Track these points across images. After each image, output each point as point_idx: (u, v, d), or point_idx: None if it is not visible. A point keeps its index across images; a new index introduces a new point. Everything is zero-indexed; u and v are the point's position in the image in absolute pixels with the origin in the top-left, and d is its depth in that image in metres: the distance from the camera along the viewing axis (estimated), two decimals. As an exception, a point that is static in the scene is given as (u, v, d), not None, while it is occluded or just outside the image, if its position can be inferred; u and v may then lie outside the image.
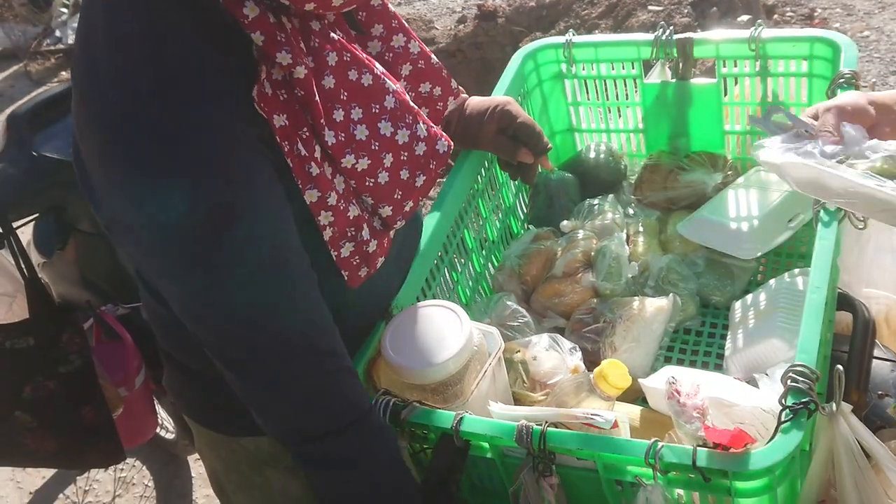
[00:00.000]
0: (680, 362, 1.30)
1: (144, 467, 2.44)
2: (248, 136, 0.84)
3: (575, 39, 1.49)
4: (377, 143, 0.96)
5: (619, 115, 1.57)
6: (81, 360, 1.63)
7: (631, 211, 1.49)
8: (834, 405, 0.92)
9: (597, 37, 1.49)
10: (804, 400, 0.87)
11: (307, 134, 0.89)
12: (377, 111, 0.95)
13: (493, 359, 1.08)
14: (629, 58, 1.48)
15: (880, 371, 1.30)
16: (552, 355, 1.21)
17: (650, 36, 1.43)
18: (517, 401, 1.18)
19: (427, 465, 1.04)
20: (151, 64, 0.80)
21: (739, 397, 0.98)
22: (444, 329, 1.07)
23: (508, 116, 1.27)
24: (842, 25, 4.05)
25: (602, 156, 1.55)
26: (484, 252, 1.42)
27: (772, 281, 1.26)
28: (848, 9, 4.19)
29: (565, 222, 1.45)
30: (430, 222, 1.24)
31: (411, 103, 1.00)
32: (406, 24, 1.07)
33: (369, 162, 0.95)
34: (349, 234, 0.97)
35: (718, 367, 1.26)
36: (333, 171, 0.94)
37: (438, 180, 1.11)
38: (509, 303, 1.31)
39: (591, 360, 1.25)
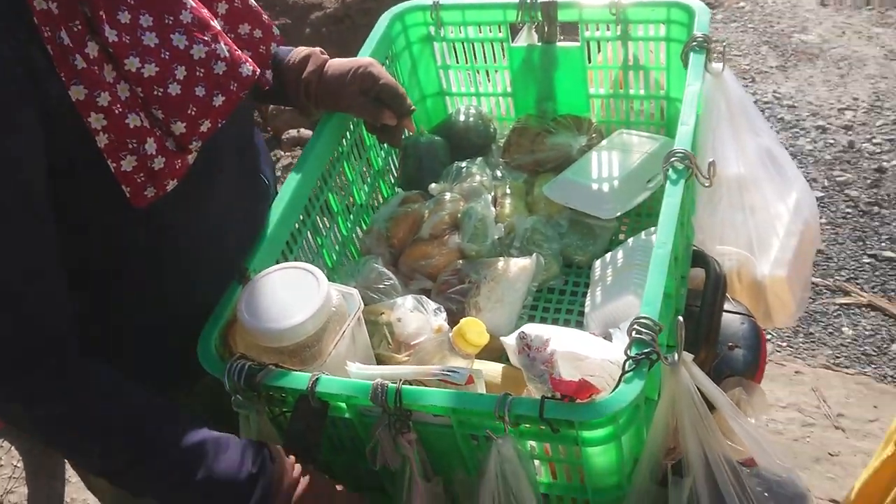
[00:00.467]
0: (543, 320, 1.33)
1: (13, 448, 2.34)
2: None
3: (442, 1, 1.48)
4: (168, 53, 0.95)
5: (489, 79, 1.58)
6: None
7: (499, 173, 1.50)
8: (676, 355, 0.95)
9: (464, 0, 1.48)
10: (646, 350, 0.90)
11: (80, 27, 0.88)
12: (171, 23, 0.95)
13: (352, 319, 1.08)
14: (496, 21, 1.48)
15: (731, 324, 1.36)
16: (417, 316, 1.22)
17: (515, -1, 1.44)
18: (382, 363, 1.18)
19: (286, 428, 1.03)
20: None
21: (590, 351, 1.01)
22: (302, 291, 1.05)
23: (371, 78, 1.26)
24: (717, -4, 4.18)
25: (472, 119, 1.55)
26: (351, 216, 1.41)
27: (630, 240, 1.30)
28: (723, -20, 4.32)
29: (433, 185, 1.45)
30: (290, 185, 1.21)
31: (214, 24, 1.00)
32: None
33: (157, 69, 0.93)
34: (130, 146, 0.93)
35: (580, 325, 1.29)
36: (117, 76, 0.91)
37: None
38: (376, 265, 1.31)
39: (457, 321, 1.25)
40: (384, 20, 1.49)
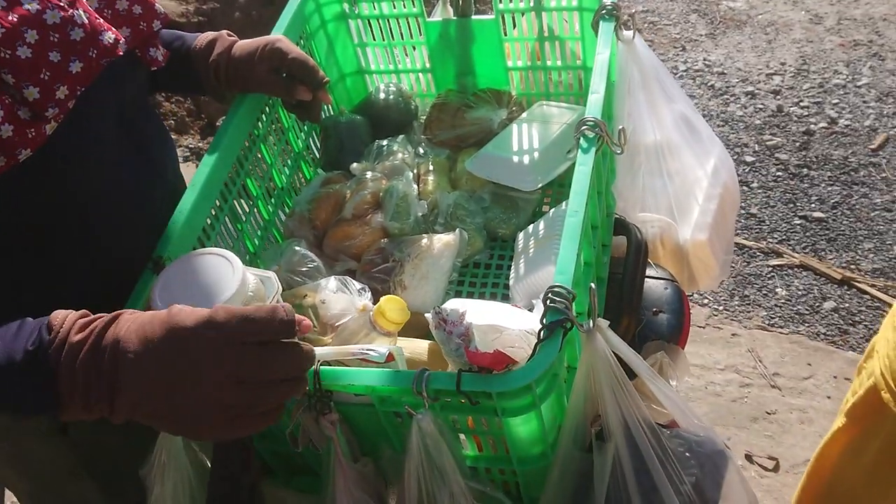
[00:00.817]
0: (470, 295, 1.33)
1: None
2: None
3: (355, -22, 1.46)
4: (15, 16, 0.92)
5: (407, 55, 1.57)
6: None
7: (421, 150, 1.49)
8: (591, 322, 0.96)
9: (378, -26, 1.46)
10: (560, 318, 0.91)
11: None
12: None
13: (271, 302, 1.07)
14: (409, -5, 1.47)
15: (655, 289, 1.38)
16: (341, 297, 1.21)
17: (429, -27, 1.43)
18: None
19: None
20: None
21: (509, 322, 1.01)
22: (217, 276, 1.04)
23: (279, 54, 1.24)
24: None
25: (392, 97, 1.54)
26: (273, 199, 1.39)
27: (551, 210, 1.31)
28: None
29: (355, 165, 1.44)
30: (203, 170, 1.19)
31: None
32: None
33: (3, 31, 0.91)
34: None
35: (506, 298, 1.30)
36: None
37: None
38: (298, 248, 1.29)
39: (381, 300, 1.26)
40: (295, -1, 1.46)
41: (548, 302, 0.93)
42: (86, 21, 0.98)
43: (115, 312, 0.82)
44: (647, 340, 1.31)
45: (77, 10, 0.97)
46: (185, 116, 3.96)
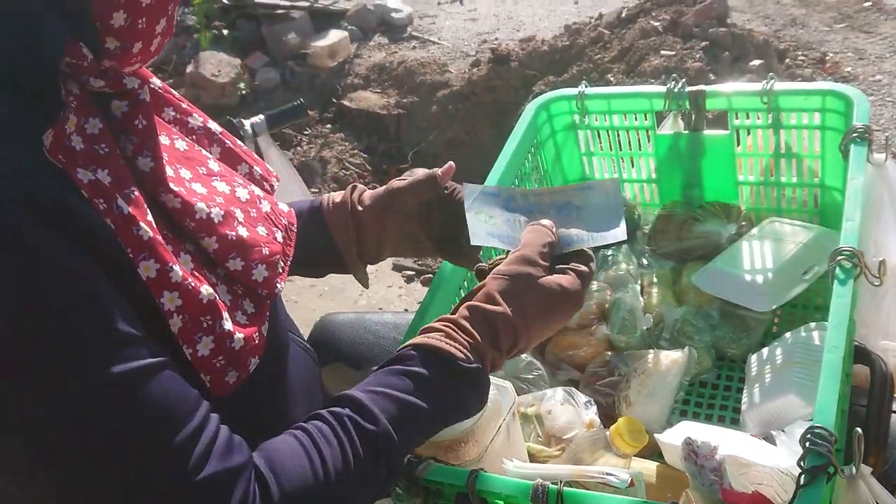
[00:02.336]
0: (696, 416, 1.29)
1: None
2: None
3: (587, 91, 1.50)
4: (220, 198, 0.87)
5: (633, 165, 1.58)
6: None
7: (645, 261, 1.49)
8: (854, 468, 0.91)
9: (609, 88, 1.49)
10: (823, 463, 0.86)
11: (136, 194, 0.76)
12: (205, 173, 0.89)
13: (508, 414, 1.08)
14: (642, 109, 1.49)
15: (899, 426, 1.28)
16: (567, 409, 1.21)
17: (662, 88, 1.44)
18: (532, 455, 1.17)
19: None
20: None
21: (758, 456, 0.97)
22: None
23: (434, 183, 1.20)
24: (854, 70, 4.07)
25: (615, 206, 1.55)
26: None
27: (788, 334, 1.26)
28: (860, 53, 4.21)
29: (578, 273, 1.44)
30: (442, 273, 1.24)
31: (234, 171, 0.96)
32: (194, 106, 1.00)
33: (223, 213, 0.85)
34: (204, 325, 0.79)
35: (735, 422, 1.25)
36: (177, 241, 0.82)
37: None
38: (523, 356, 1.31)
39: (606, 414, 1.24)
40: (530, 110, 1.51)
41: (807, 444, 0.88)
42: (260, 193, 0.96)
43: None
44: (890, 482, 1.22)
45: (251, 185, 0.95)
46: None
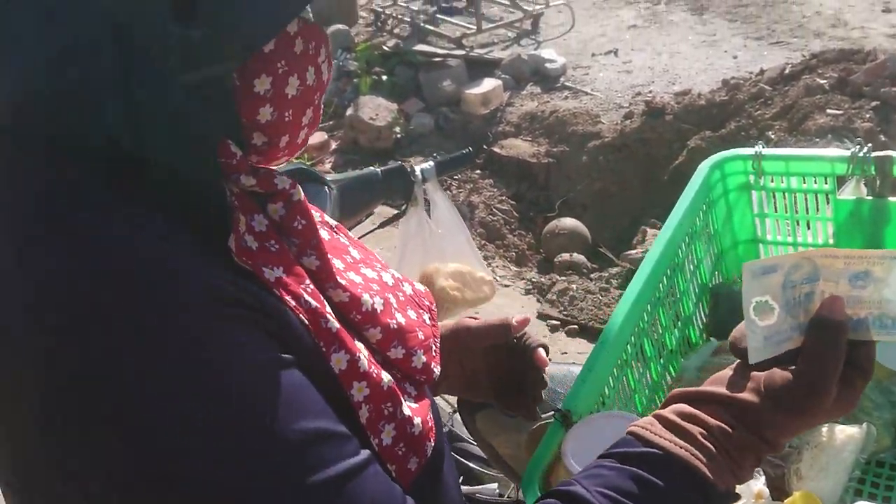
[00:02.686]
0: (872, 497, 1.22)
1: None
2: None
3: (764, 152, 1.47)
4: (375, 285, 0.86)
5: (808, 229, 1.53)
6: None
7: (818, 329, 1.43)
8: None
9: (787, 150, 1.47)
10: None
11: (312, 287, 0.76)
12: (351, 261, 0.88)
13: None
14: (822, 172, 1.44)
15: None
16: (734, 477, 1.17)
17: (845, 152, 1.40)
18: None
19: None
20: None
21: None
22: (627, 442, 1.05)
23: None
24: None
25: (788, 269, 1.50)
26: (662, 361, 1.40)
27: (981, 418, 1.18)
28: None
29: (748, 336, 1.40)
30: (611, 329, 1.24)
31: (369, 254, 0.95)
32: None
33: (382, 302, 0.84)
34: (386, 413, 0.78)
35: (916, 507, 1.18)
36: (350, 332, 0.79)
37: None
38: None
39: (775, 486, 1.20)
40: (704, 168, 1.50)
41: None
42: (399, 276, 0.96)
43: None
44: None
45: (387, 269, 0.94)
46: (525, 249, 4.17)
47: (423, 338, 0.88)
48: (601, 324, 3.27)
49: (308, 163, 4.66)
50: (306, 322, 0.72)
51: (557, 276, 3.65)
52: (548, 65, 5.30)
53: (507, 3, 6.25)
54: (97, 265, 0.62)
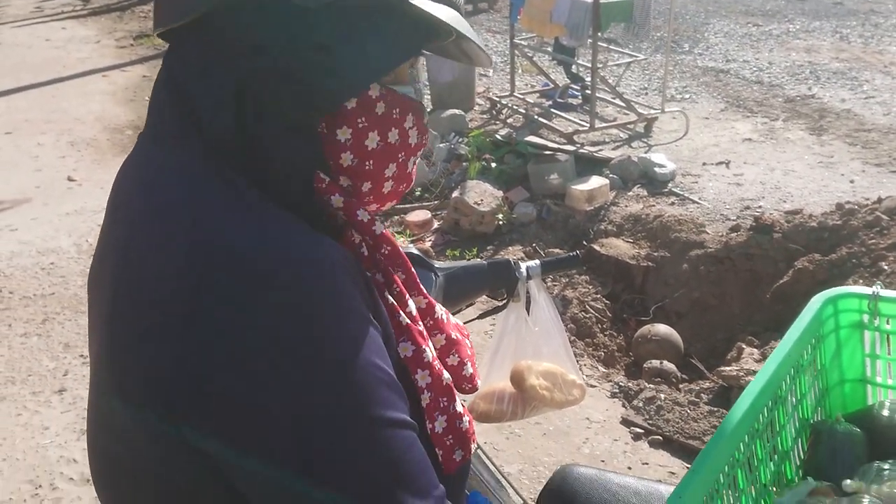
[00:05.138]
0: None
1: None
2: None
3: (882, 293, 1.43)
4: (445, 316, 1.02)
5: (922, 376, 1.47)
6: None
7: (925, 485, 1.36)
8: None
9: (907, 295, 1.42)
10: None
11: (398, 290, 0.92)
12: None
13: None
14: (942, 320, 1.40)
15: None
16: None
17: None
18: None
19: None
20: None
21: None
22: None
23: None
24: None
25: (898, 416, 1.44)
26: (754, 494, 1.35)
27: None
28: None
29: (848, 482, 1.35)
30: (705, 457, 1.21)
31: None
32: None
33: (444, 313, 0.99)
34: (441, 405, 0.90)
35: None
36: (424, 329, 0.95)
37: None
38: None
39: None
40: (816, 302, 1.47)
41: None
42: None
43: None
44: None
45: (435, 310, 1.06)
46: (615, 351, 4.11)
47: (470, 353, 1.02)
48: (686, 438, 3.17)
49: (409, 238, 4.76)
50: (384, 312, 0.86)
51: (645, 383, 3.57)
52: (657, 169, 5.29)
53: (623, 104, 6.32)
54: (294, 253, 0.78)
